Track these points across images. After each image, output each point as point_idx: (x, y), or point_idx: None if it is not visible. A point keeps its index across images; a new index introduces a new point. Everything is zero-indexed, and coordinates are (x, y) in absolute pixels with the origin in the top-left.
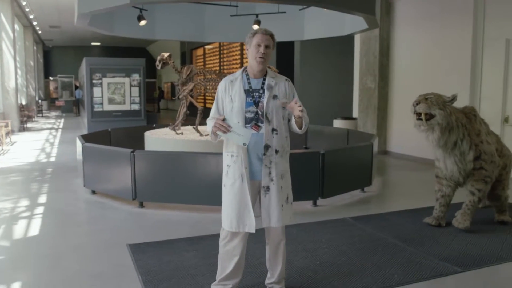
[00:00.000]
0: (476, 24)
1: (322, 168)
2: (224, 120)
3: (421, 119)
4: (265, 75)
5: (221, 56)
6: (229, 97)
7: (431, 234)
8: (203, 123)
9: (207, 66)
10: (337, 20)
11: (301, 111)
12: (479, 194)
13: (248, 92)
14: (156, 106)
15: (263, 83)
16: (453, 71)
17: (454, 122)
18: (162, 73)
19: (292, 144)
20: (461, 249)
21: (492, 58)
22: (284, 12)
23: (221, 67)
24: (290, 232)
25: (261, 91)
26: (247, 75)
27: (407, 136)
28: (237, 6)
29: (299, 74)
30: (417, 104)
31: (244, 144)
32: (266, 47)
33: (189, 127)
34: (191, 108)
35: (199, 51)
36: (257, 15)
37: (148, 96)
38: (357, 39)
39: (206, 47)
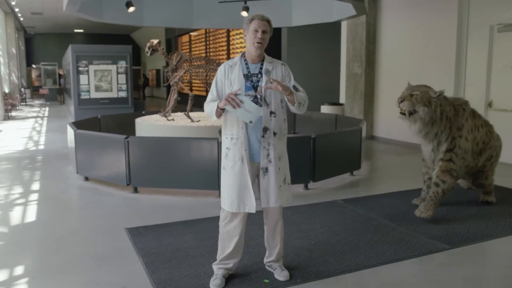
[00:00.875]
0: (461, 11)
1: (313, 152)
2: (237, 94)
3: (404, 114)
4: (263, 60)
5: (207, 42)
6: (228, 81)
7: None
8: (194, 109)
9: (193, 53)
10: (324, 7)
11: (283, 88)
12: (443, 186)
13: (247, 76)
14: (142, 94)
15: (261, 68)
16: (439, 57)
17: (438, 115)
18: (147, 60)
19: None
20: (449, 228)
21: (476, 44)
22: None
23: (207, 54)
24: (284, 214)
25: (259, 76)
26: (245, 60)
27: (393, 122)
28: None
29: (286, 60)
30: (401, 101)
31: (251, 122)
32: (263, 32)
33: (180, 114)
34: (182, 94)
35: (185, 38)
36: (245, 2)
37: (133, 84)
38: (344, 25)
39: (192, 34)
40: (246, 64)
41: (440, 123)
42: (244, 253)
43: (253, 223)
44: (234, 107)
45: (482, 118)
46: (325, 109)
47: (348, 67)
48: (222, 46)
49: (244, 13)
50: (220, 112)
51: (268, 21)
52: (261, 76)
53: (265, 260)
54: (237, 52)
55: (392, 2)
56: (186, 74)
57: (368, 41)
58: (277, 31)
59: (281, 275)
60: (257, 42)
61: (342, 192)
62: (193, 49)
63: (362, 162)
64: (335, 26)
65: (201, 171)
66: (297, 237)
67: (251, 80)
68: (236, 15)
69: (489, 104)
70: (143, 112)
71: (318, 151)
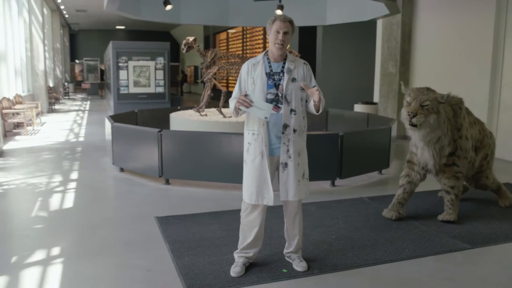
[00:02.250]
0: (499, 11)
1: (340, 149)
2: (246, 95)
3: (415, 126)
4: (285, 59)
5: (244, 40)
6: (251, 79)
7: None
8: (226, 105)
9: (230, 50)
10: (358, 6)
11: (318, 99)
12: (454, 191)
13: (269, 75)
14: (179, 90)
15: (283, 67)
16: (474, 57)
17: (443, 119)
18: (185, 57)
19: (313, 127)
20: (472, 228)
21: None
22: None
23: (244, 51)
24: (308, 209)
25: (281, 74)
26: (268, 59)
27: None
28: None
29: (321, 58)
30: (413, 116)
31: (266, 118)
32: (285, 33)
33: (213, 109)
34: (215, 91)
35: (223, 35)
36: (280, 0)
37: (172, 80)
38: (379, 24)
39: (229, 31)
40: (269, 62)
41: (443, 126)
42: (266, 244)
43: (276, 216)
44: (246, 107)
45: (473, 115)
46: (358, 108)
47: (382, 66)
48: (258, 43)
49: (279, 12)
50: (238, 111)
51: (291, 22)
52: (283, 75)
53: (285, 251)
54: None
55: (428, 1)
56: (221, 71)
57: (403, 40)
58: (312, 29)
59: (299, 266)
60: (278, 43)
61: (368, 189)
62: (230, 46)
63: (392, 161)
64: (371, 25)
65: (230, 165)
66: (319, 231)
67: (273, 79)
68: (271, 13)
69: None
70: (178, 107)
71: (345, 148)
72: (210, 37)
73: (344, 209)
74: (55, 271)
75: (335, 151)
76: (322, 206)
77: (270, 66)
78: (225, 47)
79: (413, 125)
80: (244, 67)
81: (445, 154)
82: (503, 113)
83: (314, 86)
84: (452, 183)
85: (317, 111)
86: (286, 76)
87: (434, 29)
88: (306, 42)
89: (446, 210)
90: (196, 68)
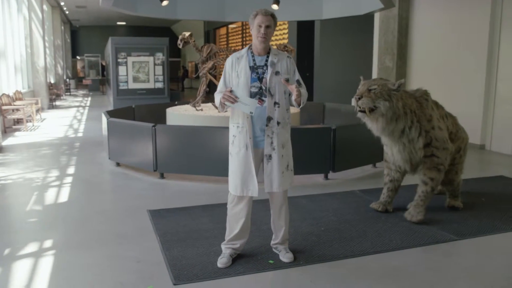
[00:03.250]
0: (495, 4)
1: (333, 143)
2: (231, 91)
3: (364, 112)
4: (269, 53)
5: (244, 35)
6: (235, 73)
7: (434, 206)
8: None
9: (230, 45)
10: (354, 0)
11: (298, 94)
12: (432, 183)
13: (253, 68)
14: (180, 85)
15: (266, 60)
16: (470, 51)
17: (401, 109)
18: (186, 52)
19: (310, 121)
20: (461, 219)
21: (509, 38)
22: None
23: (244, 46)
24: (299, 202)
25: (264, 68)
26: (252, 52)
27: None
28: None
29: (318, 52)
30: (359, 99)
31: (251, 113)
32: (267, 27)
33: (209, 104)
34: (211, 85)
35: (222, 30)
36: None
37: (173, 75)
38: (377, 18)
39: (230, 26)
40: (253, 56)
41: (405, 117)
42: (255, 236)
43: (267, 208)
44: (232, 103)
45: (444, 109)
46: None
47: (379, 60)
48: None
49: (275, 6)
50: (224, 105)
51: (272, 15)
52: (267, 68)
53: (272, 242)
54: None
55: None
56: (221, 65)
57: (400, 34)
58: (310, 24)
59: (285, 257)
60: (261, 37)
61: (361, 183)
62: (230, 42)
63: None
64: (368, 19)
65: (224, 159)
66: (309, 223)
67: (257, 72)
68: (268, 8)
69: None
70: (176, 102)
71: (338, 142)
72: (210, 32)
73: (335, 202)
74: (47, 262)
75: (328, 144)
76: (313, 199)
77: (253, 60)
78: (225, 42)
79: (362, 111)
80: (228, 61)
81: (420, 147)
82: (499, 106)
83: (297, 80)
84: (432, 174)
85: (299, 105)
86: (269, 69)
87: (431, 23)
88: (304, 36)
89: (415, 207)
90: (197, 63)
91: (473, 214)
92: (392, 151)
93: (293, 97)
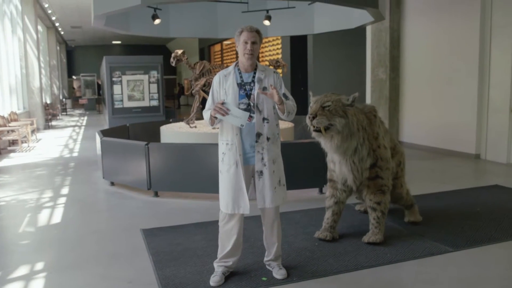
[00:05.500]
0: (484, 12)
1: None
2: (223, 103)
3: (319, 131)
4: (256, 69)
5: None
6: (223, 90)
7: (429, 218)
8: None
9: (224, 61)
10: (345, 14)
11: (280, 101)
12: (381, 207)
13: (241, 85)
14: (176, 102)
15: (253, 77)
16: (462, 60)
17: (355, 126)
18: (182, 70)
19: (303, 135)
20: (455, 231)
21: (500, 46)
22: (294, 7)
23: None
24: (293, 217)
25: (252, 84)
26: (239, 69)
27: (418, 126)
28: (247, 3)
29: (312, 66)
30: (313, 118)
31: (242, 125)
32: (253, 43)
33: (203, 121)
34: (204, 102)
35: (217, 47)
36: (267, 11)
37: (168, 93)
38: (369, 31)
39: (224, 42)
40: (240, 73)
41: (358, 135)
42: (248, 253)
43: (261, 225)
44: (223, 115)
45: (384, 124)
46: None
47: (373, 72)
48: None
49: (267, 22)
50: (214, 120)
51: (257, 32)
52: (254, 85)
53: (265, 259)
54: (265, 60)
55: (415, 6)
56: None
57: (392, 46)
58: (302, 38)
59: (278, 273)
60: (247, 54)
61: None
62: (224, 58)
63: None
64: (360, 32)
65: (217, 176)
66: (302, 238)
67: (245, 89)
68: (260, 24)
69: None
70: (171, 120)
71: None
72: (205, 49)
73: None
74: (38, 285)
75: (322, 158)
76: (308, 214)
77: (241, 77)
78: (220, 59)
79: (317, 131)
80: (216, 78)
81: (366, 167)
82: (492, 114)
83: (283, 93)
84: (378, 199)
85: (283, 113)
86: (256, 86)
87: (422, 34)
88: (298, 50)
89: (372, 230)
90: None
91: (468, 225)
92: (341, 169)
93: (276, 104)
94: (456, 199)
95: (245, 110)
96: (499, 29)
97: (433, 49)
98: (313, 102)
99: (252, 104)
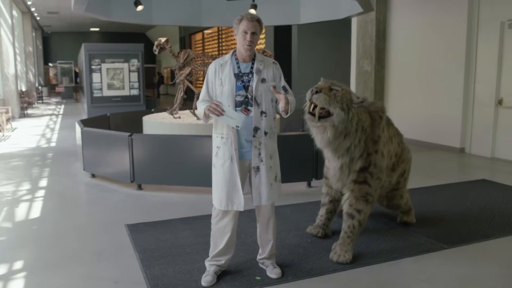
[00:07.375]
0: (472, 7)
1: (315, 149)
2: (218, 104)
3: (314, 115)
4: (254, 59)
5: (220, 40)
6: (219, 80)
7: (422, 214)
8: None
9: (206, 50)
10: (332, 4)
11: (286, 102)
12: (360, 217)
13: (238, 76)
14: (156, 92)
15: (252, 67)
16: (449, 53)
17: (353, 126)
18: (162, 58)
19: (289, 127)
20: (449, 227)
21: (486, 40)
22: None
23: (220, 52)
24: (283, 212)
25: (250, 75)
26: (236, 59)
27: (403, 119)
28: None
29: (296, 57)
30: (316, 92)
31: (237, 127)
32: (253, 33)
33: (187, 111)
34: (189, 92)
35: (198, 36)
36: (253, 0)
37: (148, 82)
38: (354, 22)
39: (205, 31)
40: (237, 63)
41: (354, 135)
42: (240, 250)
43: (251, 220)
44: (217, 115)
45: (394, 126)
46: None
47: (358, 64)
48: (234, 43)
49: (253, 11)
50: (207, 116)
51: (258, 21)
52: (252, 76)
53: (258, 257)
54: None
55: None
56: (198, 71)
57: (378, 38)
58: (287, 28)
59: (273, 272)
60: (247, 45)
61: None
62: (206, 47)
63: None
64: (346, 23)
65: (203, 169)
66: (294, 235)
67: (242, 80)
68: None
69: (500, 102)
70: (152, 110)
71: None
72: (185, 38)
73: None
74: (15, 286)
75: (310, 151)
76: (298, 208)
77: (238, 67)
78: (201, 48)
79: (311, 113)
80: (211, 67)
81: (355, 169)
82: (478, 108)
83: (283, 86)
84: (360, 206)
85: (286, 114)
86: (255, 77)
87: (408, 27)
88: (282, 40)
89: (342, 245)
90: (172, 69)
91: (460, 220)
92: (331, 166)
93: (281, 106)
94: (444, 194)
95: (242, 102)
96: (486, 23)
97: (419, 42)
98: (323, 81)
99: (250, 97)
